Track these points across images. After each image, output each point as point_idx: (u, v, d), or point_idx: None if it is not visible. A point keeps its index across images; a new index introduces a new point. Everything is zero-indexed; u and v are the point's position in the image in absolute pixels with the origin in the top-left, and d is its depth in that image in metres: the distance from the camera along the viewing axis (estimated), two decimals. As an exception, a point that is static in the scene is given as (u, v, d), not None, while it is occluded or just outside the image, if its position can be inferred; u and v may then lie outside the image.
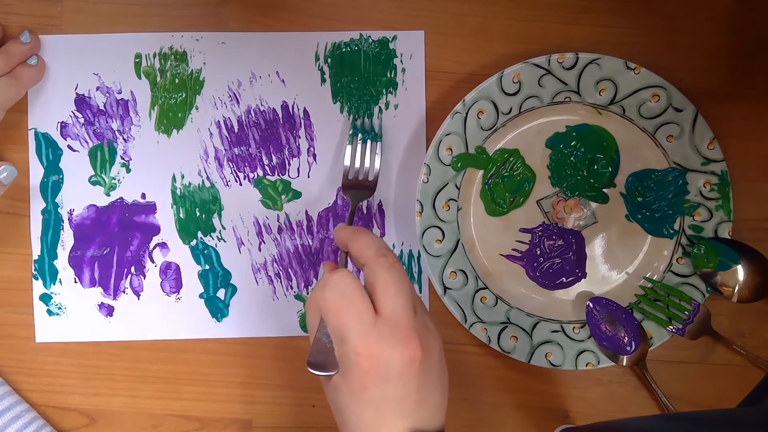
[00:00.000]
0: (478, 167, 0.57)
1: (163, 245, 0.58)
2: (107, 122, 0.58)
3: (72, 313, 0.58)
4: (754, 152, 0.58)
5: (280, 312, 0.58)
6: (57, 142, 0.57)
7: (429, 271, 0.56)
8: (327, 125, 0.58)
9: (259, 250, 0.58)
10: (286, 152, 0.58)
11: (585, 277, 0.58)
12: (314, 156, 0.58)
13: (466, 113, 0.55)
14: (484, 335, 0.56)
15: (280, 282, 0.58)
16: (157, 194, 0.58)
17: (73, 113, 0.58)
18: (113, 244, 0.58)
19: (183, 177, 0.58)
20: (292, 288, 0.58)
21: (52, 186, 0.58)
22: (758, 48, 0.58)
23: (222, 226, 0.58)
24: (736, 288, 0.57)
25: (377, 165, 0.57)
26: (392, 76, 0.58)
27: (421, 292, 0.58)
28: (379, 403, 0.39)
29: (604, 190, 0.58)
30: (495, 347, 0.56)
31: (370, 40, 0.58)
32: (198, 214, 0.58)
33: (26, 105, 0.57)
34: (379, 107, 0.58)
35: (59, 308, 0.58)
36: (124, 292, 0.58)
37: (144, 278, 0.58)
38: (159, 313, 0.58)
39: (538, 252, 0.58)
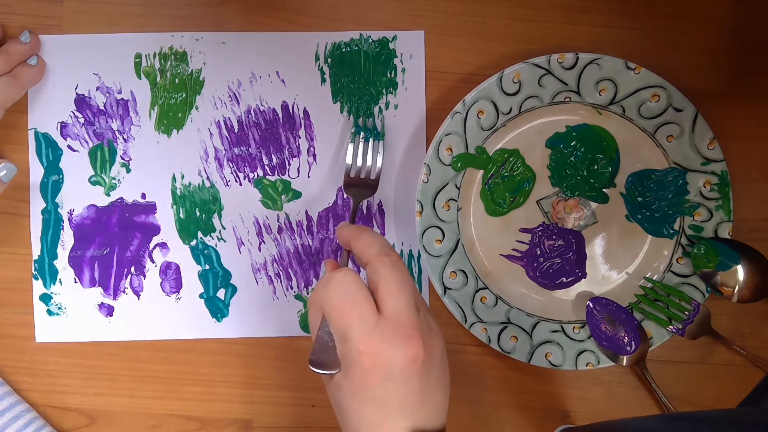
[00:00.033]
0: (478, 167, 0.57)
1: (163, 245, 0.58)
2: (107, 122, 0.58)
3: (72, 313, 0.58)
4: (754, 152, 0.58)
5: (280, 312, 0.58)
6: (57, 142, 0.57)
7: (429, 271, 0.56)
8: (327, 125, 0.58)
9: (259, 250, 0.58)
10: (286, 152, 0.58)
11: (585, 277, 0.58)
12: (314, 156, 0.58)
13: (466, 113, 0.55)
14: (484, 335, 0.56)
15: (280, 282, 0.58)
16: (157, 194, 0.58)
17: (73, 113, 0.58)
18: (113, 244, 0.58)
19: (183, 177, 0.58)
20: (292, 288, 0.58)
21: (52, 186, 0.58)
22: (758, 48, 0.58)
23: (222, 226, 0.58)
24: (736, 288, 0.57)
25: (379, 163, 0.57)
26: (392, 76, 0.58)
27: (421, 292, 0.58)
28: (381, 402, 0.39)
29: (604, 190, 0.58)
30: (495, 347, 0.56)
31: (370, 40, 0.58)
32: (198, 214, 0.58)
33: (26, 105, 0.57)
34: (379, 107, 0.58)
35: (59, 308, 0.58)
36: (124, 292, 0.58)
37: (144, 278, 0.58)
38: (159, 313, 0.58)
39: (538, 252, 0.58)
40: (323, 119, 0.58)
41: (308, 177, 0.58)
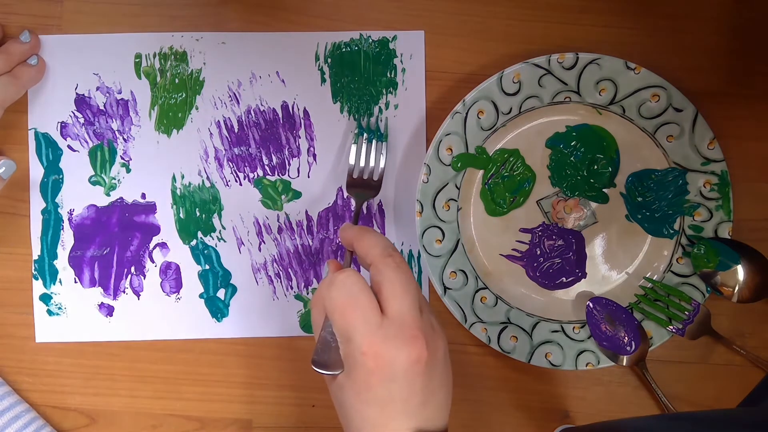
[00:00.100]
0: (478, 167, 0.57)
1: (163, 245, 0.58)
2: (107, 122, 0.58)
3: (72, 313, 0.58)
4: (754, 152, 0.58)
5: (280, 312, 0.58)
6: (57, 142, 0.57)
7: (429, 271, 0.56)
8: (327, 125, 0.58)
9: (259, 250, 0.58)
10: (286, 152, 0.58)
11: (585, 277, 0.58)
12: (314, 156, 0.58)
13: (466, 113, 0.55)
14: (484, 335, 0.56)
15: (280, 282, 0.58)
16: (157, 194, 0.58)
17: (73, 113, 0.58)
18: (113, 244, 0.58)
19: (183, 177, 0.58)
20: (292, 288, 0.58)
21: (52, 186, 0.58)
22: (758, 48, 0.58)
23: (222, 226, 0.58)
24: (736, 288, 0.57)
25: (382, 164, 0.57)
26: (392, 76, 0.58)
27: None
28: (384, 403, 0.39)
29: (604, 190, 0.58)
30: (495, 347, 0.56)
31: (370, 40, 0.58)
32: (198, 214, 0.58)
33: (26, 105, 0.57)
34: (379, 107, 0.58)
35: (59, 308, 0.58)
36: (124, 292, 0.58)
37: (144, 278, 0.58)
38: (159, 313, 0.58)
39: (538, 252, 0.58)
40: (323, 119, 0.58)
41: (308, 177, 0.58)
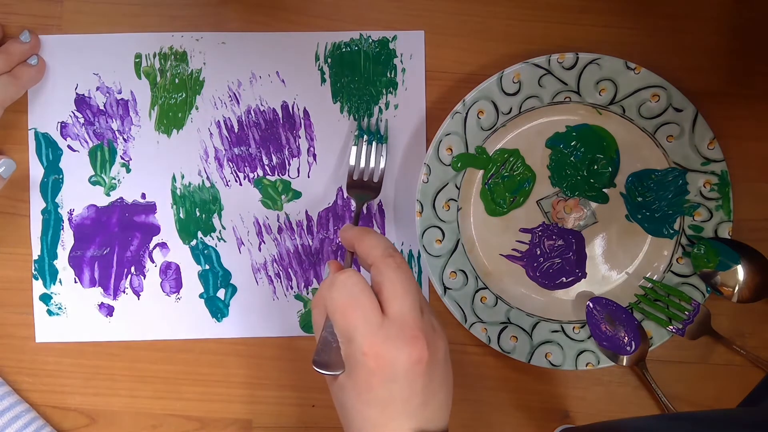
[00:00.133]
0: (478, 167, 0.57)
1: (163, 245, 0.58)
2: (107, 122, 0.58)
3: (72, 313, 0.58)
4: (754, 152, 0.58)
5: (280, 312, 0.58)
6: (57, 142, 0.57)
7: (429, 271, 0.56)
8: (327, 125, 0.58)
9: (259, 250, 0.58)
10: (286, 152, 0.58)
11: (585, 277, 0.58)
12: (314, 156, 0.58)
13: (466, 113, 0.55)
14: (484, 335, 0.56)
15: (280, 282, 0.58)
16: (157, 194, 0.58)
17: (73, 113, 0.57)
18: (113, 244, 0.58)
19: (183, 177, 0.58)
20: (292, 288, 0.58)
21: (52, 186, 0.58)
22: (758, 48, 0.58)
23: (222, 226, 0.58)
24: (736, 288, 0.57)
25: (382, 166, 0.57)
26: (392, 76, 0.58)
27: (421, 292, 0.58)
28: (385, 403, 0.39)
29: (604, 190, 0.58)
30: (495, 347, 0.56)
31: (370, 40, 0.58)
32: (198, 214, 0.58)
33: (26, 105, 0.57)
34: (379, 107, 0.58)
35: (59, 308, 0.58)
36: (124, 292, 0.58)
37: (144, 278, 0.58)
38: (159, 313, 0.58)
39: (538, 252, 0.58)
40: (323, 119, 0.58)
41: (308, 177, 0.58)
